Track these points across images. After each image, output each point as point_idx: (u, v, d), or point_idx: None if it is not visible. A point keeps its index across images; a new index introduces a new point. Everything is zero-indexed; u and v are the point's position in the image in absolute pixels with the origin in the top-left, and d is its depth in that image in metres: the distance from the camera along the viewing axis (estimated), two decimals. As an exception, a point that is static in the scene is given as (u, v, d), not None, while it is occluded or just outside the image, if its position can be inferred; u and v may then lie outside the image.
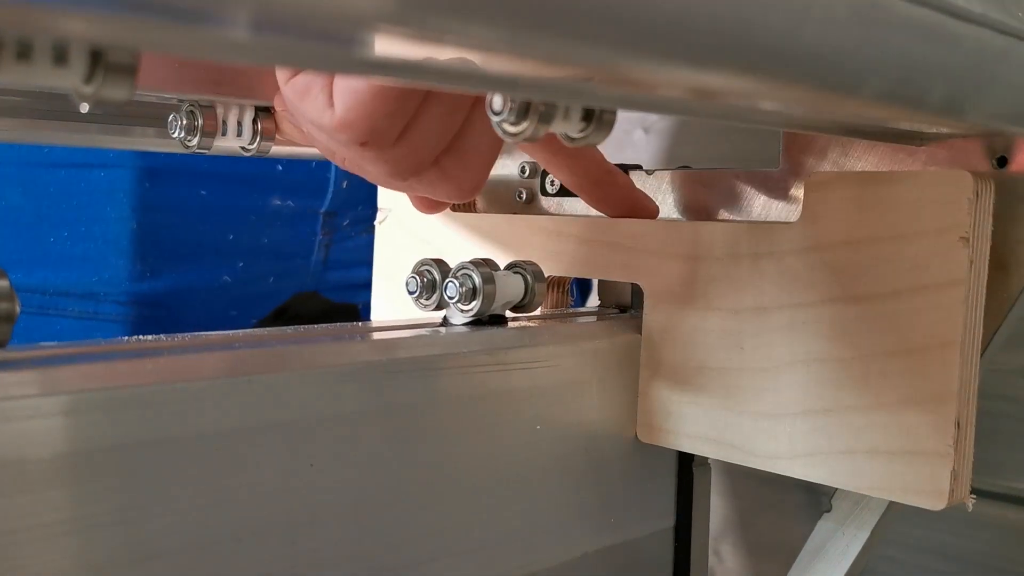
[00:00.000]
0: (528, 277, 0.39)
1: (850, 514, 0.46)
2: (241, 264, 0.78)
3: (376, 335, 0.34)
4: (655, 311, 0.43)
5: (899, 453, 0.35)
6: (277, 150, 0.50)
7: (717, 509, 0.76)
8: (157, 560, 0.28)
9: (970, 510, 0.35)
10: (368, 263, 0.58)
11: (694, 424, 0.42)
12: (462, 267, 0.37)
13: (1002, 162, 0.40)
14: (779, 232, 0.39)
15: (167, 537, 0.28)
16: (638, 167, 0.52)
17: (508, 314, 0.40)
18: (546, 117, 0.27)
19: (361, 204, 0.83)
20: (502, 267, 0.40)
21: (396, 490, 0.34)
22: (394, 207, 0.57)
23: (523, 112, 0.26)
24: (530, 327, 0.39)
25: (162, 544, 0.28)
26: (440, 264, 0.38)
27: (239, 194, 0.77)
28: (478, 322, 0.38)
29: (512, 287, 0.39)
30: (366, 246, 0.60)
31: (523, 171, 0.57)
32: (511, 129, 0.27)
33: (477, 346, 0.35)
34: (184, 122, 0.46)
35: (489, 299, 0.37)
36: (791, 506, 0.67)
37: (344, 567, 0.32)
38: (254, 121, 0.46)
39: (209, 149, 0.46)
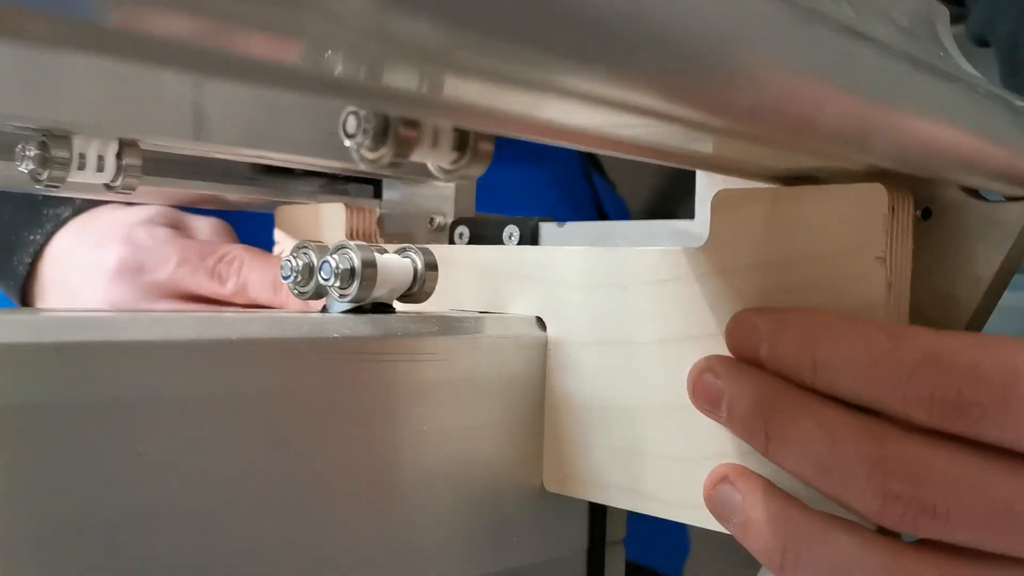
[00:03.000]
0: (418, 262, 0.36)
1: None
2: None
3: (231, 315, 0.30)
4: (558, 346, 0.39)
5: (814, 502, 0.32)
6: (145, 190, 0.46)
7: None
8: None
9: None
10: None
11: (603, 471, 0.38)
12: (341, 246, 0.34)
13: (926, 214, 0.38)
14: (684, 257, 0.36)
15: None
16: (550, 219, 0.50)
17: (396, 304, 0.36)
18: (406, 143, 0.24)
19: None
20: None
21: (245, 491, 0.29)
22: (285, 242, 0.55)
23: (380, 136, 0.24)
24: (417, 315, 0.35)
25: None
26: (321, 248, 0.35)
27: None
28: (360, 310, 0.35)
29: (398, 272, 0.35)
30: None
31: (431, 222, 0.55)
32: (369, 155, 0.25)
33: (348, 331, 0.32)
34: (34, 153, 0.39)
35: (369, 282, 0.34)
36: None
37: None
38: (118, 155, 0.40)
39: (62, 184, 0.40)
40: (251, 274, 0.54)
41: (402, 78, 0.18)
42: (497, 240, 0.51)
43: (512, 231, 0.50)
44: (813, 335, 0.30)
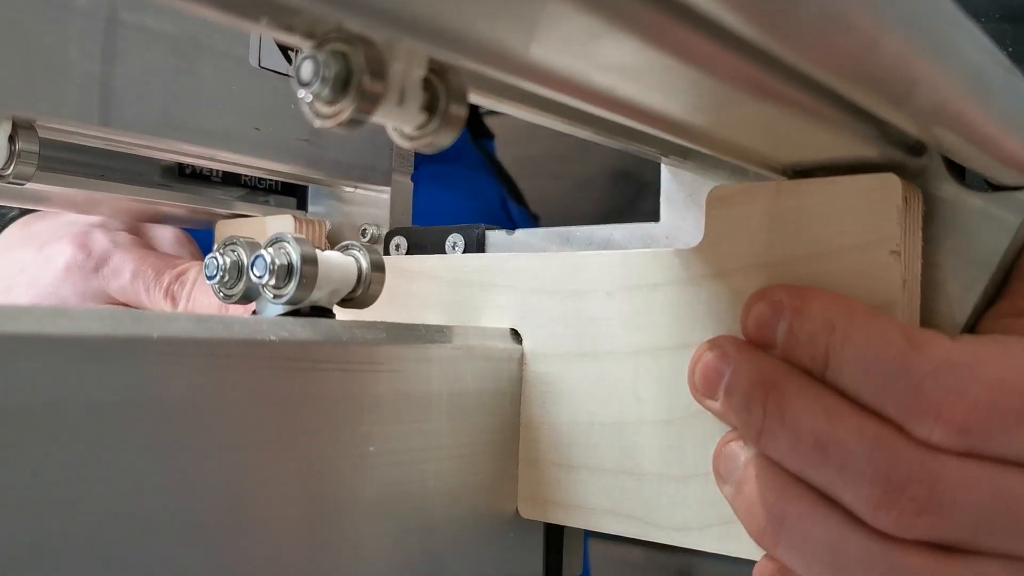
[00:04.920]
0: (362, 261, 0.31)
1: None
2: None
3: (152, 312, 0.25)
4: (536, 359, 0.35)
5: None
6: (35, 191, 0.40)
7: None
8: None
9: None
10: None
11: (587, 493, 0.34)
12: (277, 239, 0.29)
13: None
14: (678, 259, 0.32)
15: None
16: (495, 227, 0.46)
17: (336, 309, 0.32)
18: (371, 97, 0.20)
19: None
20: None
21: (157, 519, 0.24)
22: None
23: (340, 87, 0.20)
24: (361, 321, 0.31)
25: None
26: (251, 243, 0.30)
27: None
28: (296, 314, 0.30)
29: (340, 272, 0.30)
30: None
31: (364, 234, 0.50)
32: (324, 110, 0.21)
33: (287, 334, 0.27)
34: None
35: (309, 281, 0.29)
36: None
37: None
38: (11, 138, 0.35)
39: None
40: (200, 297, 0.49)
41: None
42: (439, 251, 0.46)
43: (456, 240, 0.46)
44: (833, 319, 0.27)
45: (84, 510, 0.22)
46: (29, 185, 0.38)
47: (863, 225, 0.29)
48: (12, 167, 0.36)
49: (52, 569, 0.22)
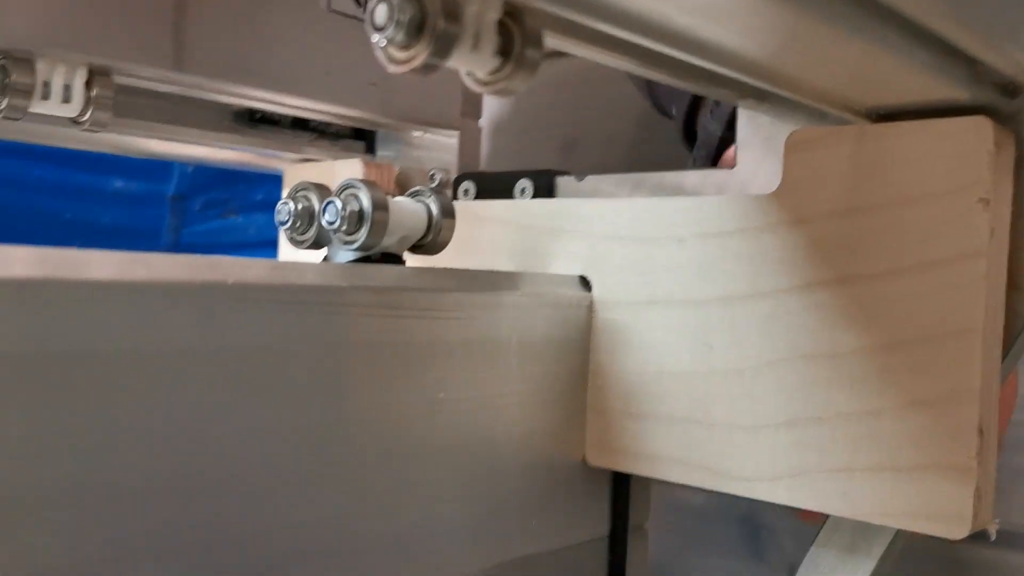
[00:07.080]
0: (433, 207, 0.31)
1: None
2: (77, 245, 0.73)
3: (227, 259, 0.25)
4: (605, 307, 0.35)
5: (908, 469, 0.28)
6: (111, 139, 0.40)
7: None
8: None
9: (993, 538, 0.27)
10: (223, 247, 0.51)
11: (655, 442, 0.33)
12: (348, 185, 0.29)
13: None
14: (753, 205, 0.31)
15: None
16: (566, 172, 0.45)
17: (407, 255, 0.32)
18: (445, 40, 0.20)
19: (213, 189, 0.80)
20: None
21: (240, 464, 0.24)
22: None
23: (415, 31, 0.20)
24: (431, 268, 0.30)
25: None
26: (322, 190, 0.30)
27: (77, 174, 0.73)
28: (367, 260, 0.30)
29: (411, 218, 0.30)
30: (220, 231, 0.55)
31: (432, 179, 0.50)
32: (398, 55, 0.20)
33: (359, 280, 0.27)
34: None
35: (380, 228, 0.29)
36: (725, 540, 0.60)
37: (164, 565, 0.23)
38: (87, 84, 0.36)
39: (22, 116, 0.35)
40: None
41: None
42: (507, 196, 0.46)
43: (524, 185, 0.45)
44: None
45: (163, 456, 0.23)
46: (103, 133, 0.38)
47: (951, 171, 0.27)
48: (89, 114, 0.37)
49: (132, 513, 0.22)
